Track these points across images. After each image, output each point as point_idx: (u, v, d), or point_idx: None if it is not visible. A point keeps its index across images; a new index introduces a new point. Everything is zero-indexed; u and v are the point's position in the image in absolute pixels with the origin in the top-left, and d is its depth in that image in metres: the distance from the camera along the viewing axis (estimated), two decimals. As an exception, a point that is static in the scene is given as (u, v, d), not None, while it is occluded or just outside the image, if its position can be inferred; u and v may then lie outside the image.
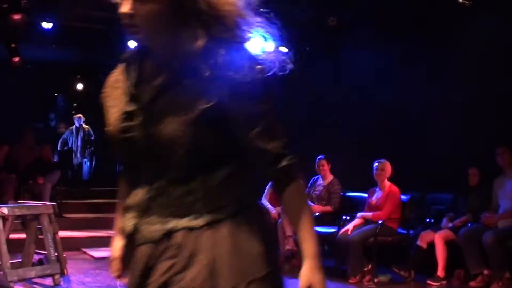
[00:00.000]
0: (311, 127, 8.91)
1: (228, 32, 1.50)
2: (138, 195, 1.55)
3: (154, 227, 1.51)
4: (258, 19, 1.58)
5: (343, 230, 6.51)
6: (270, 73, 1.55)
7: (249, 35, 1.55)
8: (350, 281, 6.20)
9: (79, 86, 13.83)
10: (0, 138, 9.20)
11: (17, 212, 5.64)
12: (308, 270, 1.56)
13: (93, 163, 12.44)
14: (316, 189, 7.42)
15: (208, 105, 1.45)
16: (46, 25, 8.22)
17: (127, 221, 1.57)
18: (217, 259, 1.46)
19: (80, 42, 9.98)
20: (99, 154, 12.20)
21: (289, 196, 1.54)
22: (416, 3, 7.14)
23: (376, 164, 6.57)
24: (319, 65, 8.77)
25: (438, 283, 5.97)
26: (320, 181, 7.45)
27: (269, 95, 1.51)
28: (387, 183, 6.54)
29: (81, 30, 9.02)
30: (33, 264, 5.86)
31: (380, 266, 6.32)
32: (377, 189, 6.65)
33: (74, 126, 11.92)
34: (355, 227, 6.45)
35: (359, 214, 6.63)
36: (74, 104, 14.17)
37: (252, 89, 1.46)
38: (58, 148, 11.58)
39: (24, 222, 6.28)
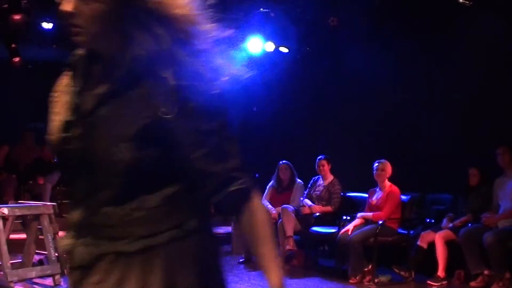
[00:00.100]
0: (311, 127, 8.91)
1: (182, 38, 1.35)
2: (75, 213, 1.43)
3: (87, 249, 1.39)
4: (215, 25, 1.40)
5: (343, 230, 6.51)
6: (232, 86, 1.38)
7: (208, 42, 1.38)
8: (351, 281, 6.20)
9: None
10: (0, 138, 9.20)
11: (18, 212, 5.64)
12: None
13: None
14: (317, 189, 7.42)
15: (151, 119, 1.32)
16: (46, 25, 8.21)
17: (64, 241, 1.45)
18: None
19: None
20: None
21: (244, 225, 1.41)
22: (416, 3, 7.14)
23: (376, 164, 6.57)
24: (319, 65, 8.77)
25: (439, 283, 5.97)
26: (321, 181, 7.45)
27: (224, 111, 1.36)
28: (387, 183, 6.54)
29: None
30: (34, 265, 5.86)
31: (381, 266, 6.33)
32: (377, 189, 6.65)
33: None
34: (355, 227, 6.45)
35: (359, 214, 6.63)
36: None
37: (204, 104, 1.32)
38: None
39: (24, 222, 6.29)
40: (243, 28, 8.11)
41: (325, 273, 6.72)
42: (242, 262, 7.17)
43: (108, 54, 1.39)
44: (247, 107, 9.99)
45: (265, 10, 7.80)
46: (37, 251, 5.92)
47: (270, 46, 8.59)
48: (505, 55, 6.60)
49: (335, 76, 8.62)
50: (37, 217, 5.79)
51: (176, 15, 1.34)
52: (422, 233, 6.29)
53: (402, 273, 6.25)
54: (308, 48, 8.75)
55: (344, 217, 6.88)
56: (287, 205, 7.17)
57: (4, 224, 5.36)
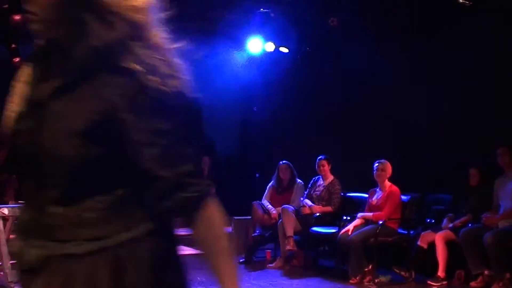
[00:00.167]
0: (311, 127, 8.91)
1: (139, 31, 1.28)
2: (25, 213, 1.36)
3: (33, 251, 1.31)
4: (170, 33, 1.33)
5: (343, 230, 6.52)
6: (192, 86, 1.30)
7: (165, 39, 1.31)
8: (351, 281, 6.20)
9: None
10: (0, 139, 9.18)
11: (18, 212, 5.63)
12: None
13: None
14: (317, 189, 7.42)
15: (102, 115, 1.24)
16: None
17: (14, 243, 1.37)
18: None
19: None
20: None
21: (197, 237, 1.33)
22: (416, 3, 7.14)
23: (377, 164, 6.58)
24: (319, 65, 8.77)
25: (439, 284, 5.97)
26: (321, 181, 7.45)
27: (182, 111, 1.28)
28: (387, 183, 6.54)
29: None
30: (34, 265, 5.86)
31: (381, 266, 6.33)
32: (377, 189, 6.65)
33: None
34: (355, 228, 6.45)
35: (359, 215, 6.63)
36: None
37: (160, 100, 1.24)
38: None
39: (24, 222, 6.28)
40: (243, 28, 8.12)
41: (325, 273, 6.73)
42: (242, 262, 7.17)
43: (64, 45, 1.32)
44: (247, 107, 10.02)
45: (265, 10, 7.81)
46: (37, 251, 5.92)
47: (270, 46, 8.59)
48: (505, 55, 6.60)
49: (335, 76, 8.63)
50: (37, 217, 5.79)
51: (133, 7, 1.27)
52: (422, 233, 6.29)
53: (402, 273, 6.25)
54: (308, 48, 8.75)
55: (344, 217, 6.89)
56: (287, 205, 7.18)
57: (4, 225, 5.36)
